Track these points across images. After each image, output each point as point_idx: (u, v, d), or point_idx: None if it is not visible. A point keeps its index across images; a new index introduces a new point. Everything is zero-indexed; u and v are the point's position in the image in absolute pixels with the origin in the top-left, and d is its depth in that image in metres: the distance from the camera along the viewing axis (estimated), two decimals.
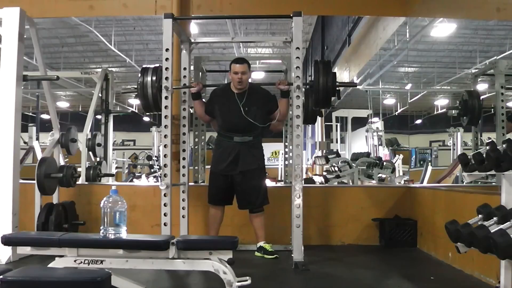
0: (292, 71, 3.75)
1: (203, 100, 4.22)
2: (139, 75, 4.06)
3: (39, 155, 6.46)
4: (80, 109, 19.23)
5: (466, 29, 6.52)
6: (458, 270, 3.46)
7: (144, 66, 4.15)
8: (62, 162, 4.44)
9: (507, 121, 4.56)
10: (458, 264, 3.51)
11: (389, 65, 8.55)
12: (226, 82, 4.51)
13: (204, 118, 4.21)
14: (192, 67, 4.52)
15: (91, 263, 2.51)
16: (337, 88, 4.01)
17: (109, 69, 6.75)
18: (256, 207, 4.01)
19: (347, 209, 4.74)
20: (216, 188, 4.06)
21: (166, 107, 3.64)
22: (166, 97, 3.63)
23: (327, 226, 4.69)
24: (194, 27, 9.62)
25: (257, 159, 4.03)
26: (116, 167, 10.32)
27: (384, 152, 9.99)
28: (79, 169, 4.64)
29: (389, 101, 11.76)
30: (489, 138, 4.95)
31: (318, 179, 8.81)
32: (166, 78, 3.63)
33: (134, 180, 9.27)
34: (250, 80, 4.14)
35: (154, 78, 3.99)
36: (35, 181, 3.97)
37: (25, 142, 8.08)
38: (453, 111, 5.45)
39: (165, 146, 3.63)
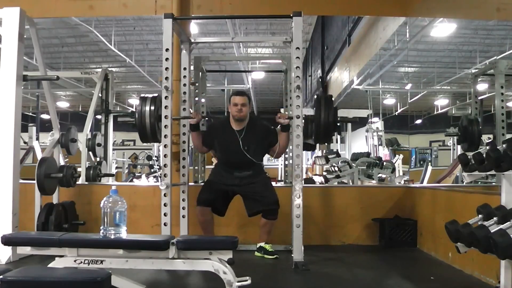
0: (292, 71, 3.75)
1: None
2: (138, 103, 4.07)
3: (39, 155, 6.46)
4: (80, 109, 19.24)
5: (466, 29, 6.50)
6: (458, 270, 3.46)
7: (142, 95, 4.16)
8: (62, 162, 4.44)
9: None
10: (458, 264, 3.51)
11: (389, 65, 8.53)
12: (225, 115, 4.49)
13: (202, 150, 4.23)
14: (192, 67, 4.52)
15: (91, 263, 2.51)
16: (338, 124, 4.06)
17: (109, 69, 6.76)
18: (271, 206, 3.91)
19: (347, 209, 4.74)
20: (213, 193, 4.00)
21: (166, 107, 3.64)
22: (166, 97, 3.63)
23: (327, 226, 4.69)
24: (194, 27, 9.62)
25: (258, 174, 4.04)
26: (116, 167, 10.32)
27: (384, 152, 9.98)
28: (79, 169, 4.63)
29: (389, 101, 11.75)
30: (489, 138, 4.93)
31: (318, 179, 8.82)
32: (166, 78, 3.63)
33: (134, 180, 9.28)
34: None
35: (152, 107, 4.01)
36: (35, 181, 3.97)
37: (25, 142, 8.07)
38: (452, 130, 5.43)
39: (165, 146, 3.63)
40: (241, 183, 3.98)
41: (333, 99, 4.24)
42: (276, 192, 4.02)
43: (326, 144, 12.47)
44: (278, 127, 4.00)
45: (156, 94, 4.11)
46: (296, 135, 3.68)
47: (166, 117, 3.64)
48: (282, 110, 5.40)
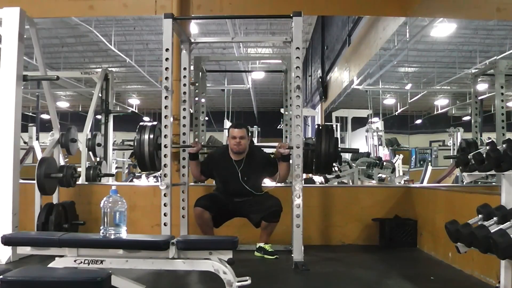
0: (292, 71, 3.75)
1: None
2: (136, 132, 4.08)
3: (39, 155, 6.46)
4: (80, 109, 19.25)
5: (466, 29, 6.51)
6: (458, 270, 3.46)
7: (141, 124, 4.16)
8: (62, 162, 4.44)
9: None
10: (458, 264, 3.51)
11: (389, 65, 8.53)
12: (223, 144, 4.49)
13: (200, 179, 4.23)
14: (192, 67, 4.52)
15: (91, 263, 2.51)
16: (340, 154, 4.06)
17: (109, 69, 6.76)
18: (273, 208, 3.89)
19: (347, 209, 4.74)
20: (213, 202, 3.99)
21: (166, 107, 3.64)
22: (166, 97, 3.63)
23: (327, 226, 4.69)
24: (194, 27, 9.62)
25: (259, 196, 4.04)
26: (116, 167, 10.31)
27: (384, 152, 9.98)
28: (79, 169, 4.63)
29: (389, 101, 11.75)
30: (489, 138, 4.93)
31: (318, 179, 8.81)
32: (166, 78, 3.63)
33: (134, 180, 9.27)
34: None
35: (151, 136, 4.02)
36: (35, 181, 3.97)
37: (25, 142, 8.06)
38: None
39: (165, 146, 3.63)
40: (242, 206, 4.01)
41: (333, 127, 4.27)
42: (277, 197, 3.99)
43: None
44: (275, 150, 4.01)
45: (155, 123, 4.13)
46: (296, 135, 3.68)
47: (166, 117, 3.64)
48: (282, 110, 5.40)
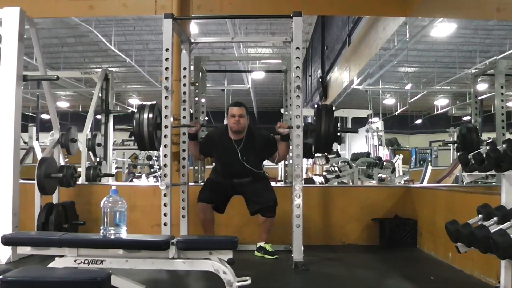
0: (292, 71, 3.75)
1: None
2: (135, 111, 4.03)
3: (39, 155, 6.46)
4: (80, 109, 19.26)
5: (466, 29, 6.51)
6: (458, 270, 3.46)
7: (140, 103, 4.12)
8: (62, 162, 4.44)
9: None
10: (458, 264, 3.51)
11: (389, 65, 8.54)
12: (223, 124, 4.47)
13: (199, 158, 4.23)
14: (192, 67, 4.52)
15: (91, 263, 2.51)
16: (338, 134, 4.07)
17: (109, 69, 6.76)
18: (269, 203, 3.92)
19: (347, 209, 4.74)
20: (214, 191, 4.01)
21: (166, 107, 3.63)
22: (166, 97, 3.63)
23: (327, 226, 4.69)
24: (194, 27, 9.63)
25: (258, 179, 4.03)
26: (116, 167, 10.32)
27: (384, 152, 9.99)
28: (79, 169, 4.64)
29: (389, 101, 11.76)
30: (489, 138, 4.93)
31: (318, 179, 8.82)
32: (166, 78, 3.63)
33: (134, 180, 9.28)
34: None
35: (150, 115, 3.97)
36: (35, 181, 3.97)
37: (25, 142, 8.07)
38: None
39: (165, 146, 3.63)
40: (241, 188, 4.00)
41: (333, 108, 4.25)
42: (274, 192, 4.03)
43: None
44: (278, 135, 4.00)
45: (154, 102, 4.08)
46: (296, 135, 3.68)
47: (166, 117, 3.64)
48: (282, 110, 5.40)
